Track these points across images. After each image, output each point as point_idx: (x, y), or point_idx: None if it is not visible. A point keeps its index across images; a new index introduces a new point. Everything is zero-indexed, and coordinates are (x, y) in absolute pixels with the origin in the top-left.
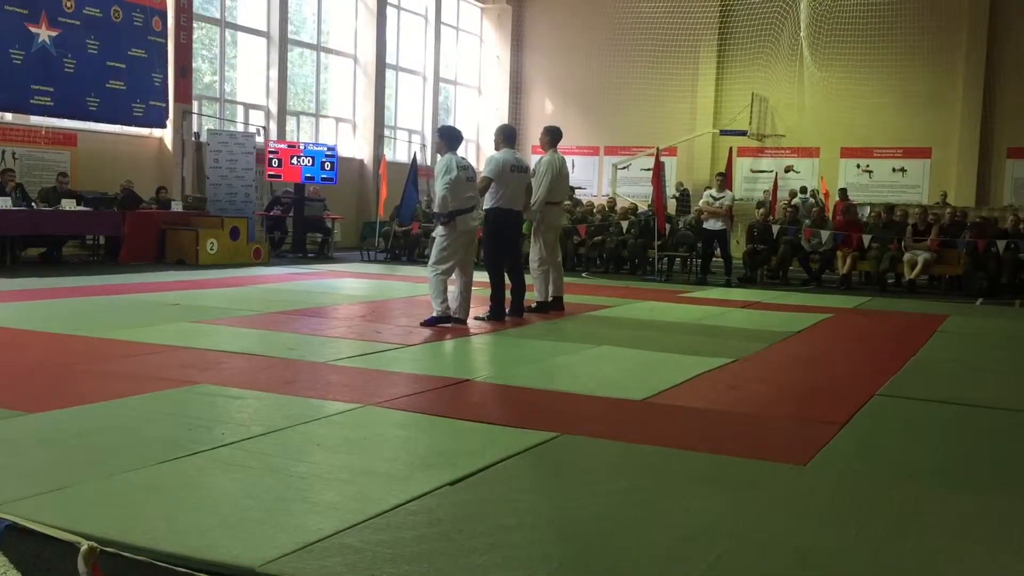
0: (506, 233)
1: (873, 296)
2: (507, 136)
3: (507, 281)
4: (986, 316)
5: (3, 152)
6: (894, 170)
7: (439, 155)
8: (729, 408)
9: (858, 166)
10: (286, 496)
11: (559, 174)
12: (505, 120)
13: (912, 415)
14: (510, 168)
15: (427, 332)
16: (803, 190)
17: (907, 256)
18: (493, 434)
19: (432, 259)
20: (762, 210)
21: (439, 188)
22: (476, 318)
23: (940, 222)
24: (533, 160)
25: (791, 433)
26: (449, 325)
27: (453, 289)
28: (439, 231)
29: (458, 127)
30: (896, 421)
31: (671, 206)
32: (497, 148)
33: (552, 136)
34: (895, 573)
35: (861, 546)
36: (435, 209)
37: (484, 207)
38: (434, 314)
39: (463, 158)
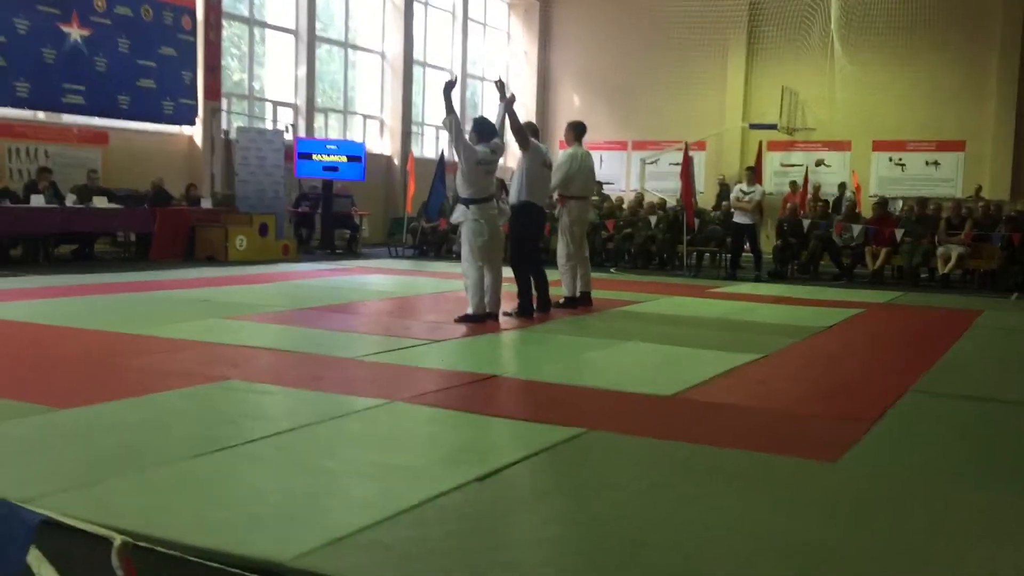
0: (532, 227)
1: (906, 291)
2: (531, 131)
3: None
4: (1022, 311)
5: (36, 150)
6: (927, 163)
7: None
8: (758, 404)
9: (890, 159)
10: (315, 491)
11: (581, 167)
12: (532, 116)
13: (945, 412)
14: (540, 163)
15: (455, 328)
16: (841, 187)
17: (940, 250)
18: (521, 430)
19: (464, 256)
20: (793, 191)
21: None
22: (504, 313)
23: (974, 216)
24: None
25: (821, 430)
26: (478, 319)
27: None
28: (461, 215)
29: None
30: (928, 418)
31: (710, 201)
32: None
33: (576, 131)
34: (926, 572)
35: (892, 544)
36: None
37: (512, 200)
38: (470, 311)
39: (487, 151)
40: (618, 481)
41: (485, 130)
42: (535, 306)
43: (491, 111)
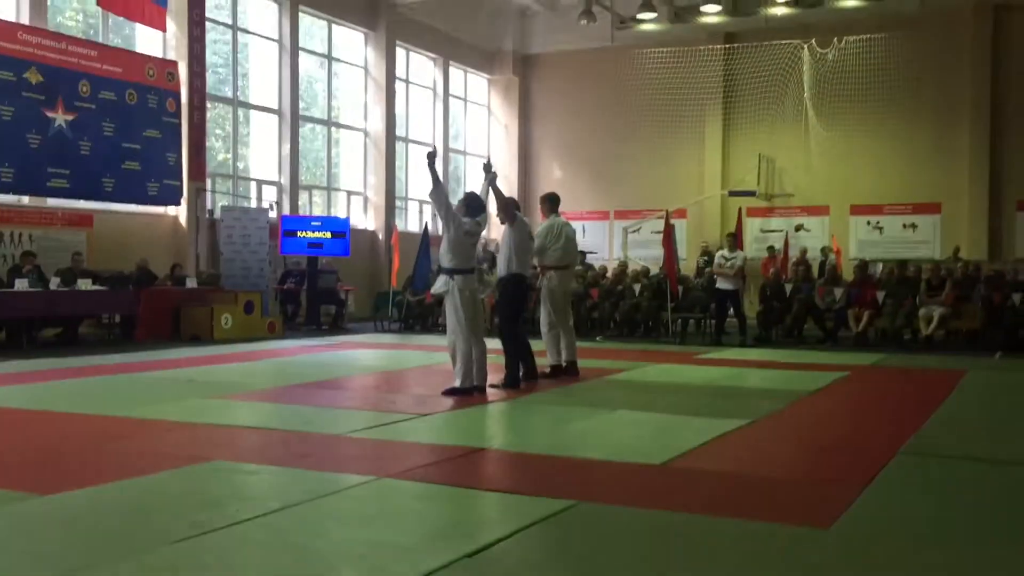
0: (519, 298)
1: (890, 353)
2: (513, 205)
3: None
4: (1006, 370)
5: (20, 235)
6: (904, 226)
7: None
8: (749, 470)
9: (868, 223)
10: (303, 573)
11: (557, 236)
12: (514, 189)
13: (936, 473)
14: (525, 236)
15: (442, 401)
16: (824, 251)
17: (922, 312)
18: (510, 503)
19: (451, 327)
20: (771, 256)
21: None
22: (491, 386)
23: (954, 277)
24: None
25: (812, 495)
26: (465, 392)
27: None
28: (444, 285)
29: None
30: (920, 480)
31: (693, 267)
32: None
33: (550, 202)
34: None
35: None
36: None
37: (500, 273)
38: (457, 383)
39: (474, 223)
40: (610, 554)
41: (474, 206)
42: (522, 377)
43: (474, 184)
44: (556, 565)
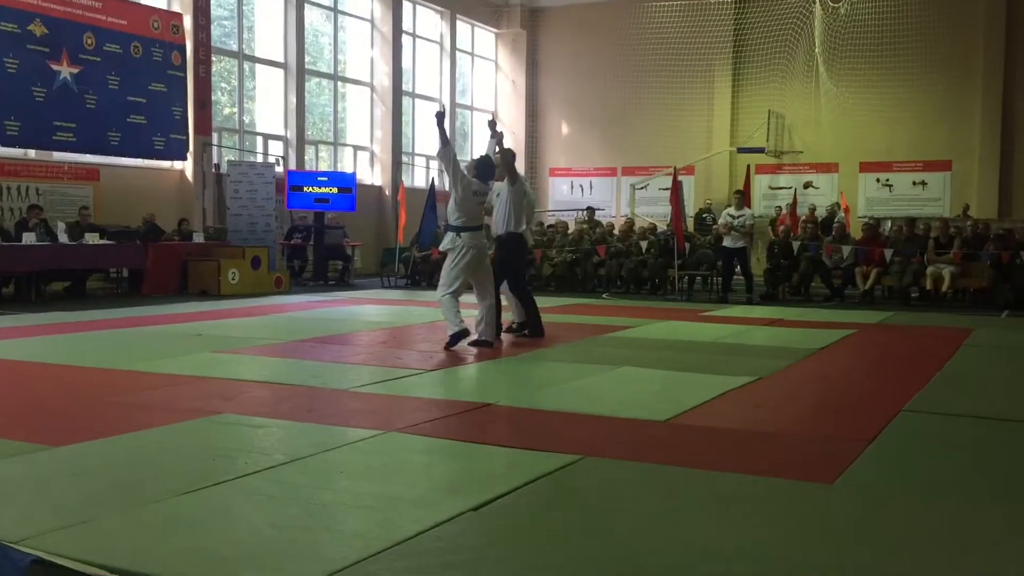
0: (521, 256)
1: (897, 311)
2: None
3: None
4: (1013, 329)
5: (27, 188)
6: (914, 183)
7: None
8: (753, 427)
9: (878, 180)
10: (310, 525)
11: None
12: (521, 144)
13: (940, 430)
14: (522, 195)
15: (448, 356)
16: (833, 207)
17: (930, 270)
18: (516, 458)
19: (441, 282)
20: (782, 213)
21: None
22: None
23: (963, 234)
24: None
25: (817, 451)
26: (473, 344)
27: (476, 313)
28: (451, 242)
29: (478, 155)
30: (924, 437)
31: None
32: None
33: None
34: None
35: (892, 564)
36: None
37: (496, 231)
38: (451, 332)
39: (481, 183)
40: (616, 508)
41: (486, 170)
42: (528, 333)
43: (480, 140)
44: (562, 518)
